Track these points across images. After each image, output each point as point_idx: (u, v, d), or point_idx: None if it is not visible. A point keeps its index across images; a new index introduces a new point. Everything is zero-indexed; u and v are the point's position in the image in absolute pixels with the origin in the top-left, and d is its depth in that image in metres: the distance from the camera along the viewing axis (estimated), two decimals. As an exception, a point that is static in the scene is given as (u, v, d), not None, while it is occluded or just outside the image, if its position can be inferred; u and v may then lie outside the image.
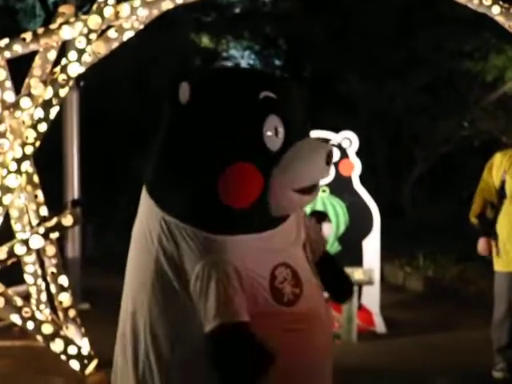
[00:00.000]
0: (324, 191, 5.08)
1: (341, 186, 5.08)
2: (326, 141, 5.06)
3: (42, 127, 4.02)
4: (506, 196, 3.84)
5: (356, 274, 4.74)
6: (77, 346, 3.99)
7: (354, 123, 7.15)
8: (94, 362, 4.01)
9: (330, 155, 1.83)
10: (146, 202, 1.93)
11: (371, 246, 5.11)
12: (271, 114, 1.79)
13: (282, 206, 1.86)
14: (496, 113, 9.22)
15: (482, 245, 3.95)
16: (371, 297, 5.10)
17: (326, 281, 2.08)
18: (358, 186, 5.13)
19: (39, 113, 3.99)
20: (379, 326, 5.03)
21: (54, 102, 3.99)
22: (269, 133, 1.77)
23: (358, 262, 5.01)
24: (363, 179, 5.23)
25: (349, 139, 5.07)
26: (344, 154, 5.08)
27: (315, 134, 5.14)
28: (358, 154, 5.15)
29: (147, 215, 1.93)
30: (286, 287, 1.84)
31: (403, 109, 9.79)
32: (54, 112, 4.05)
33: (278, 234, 1.90)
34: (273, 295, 1.82)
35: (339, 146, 5.08)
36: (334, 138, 5.09)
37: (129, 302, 1.91)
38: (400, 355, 4.38)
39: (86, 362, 3.97)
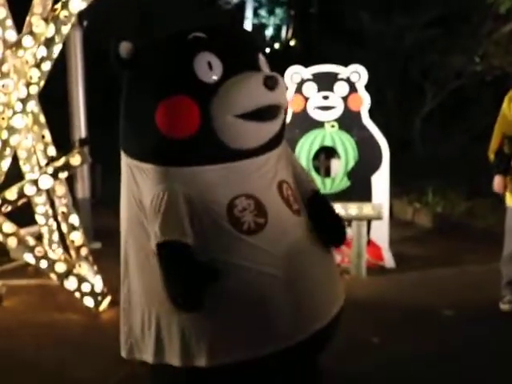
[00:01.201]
0: (333, 126, 5.03)
1: (350, 121, 5.01)
2: (335, 74, 4.99)
3: (46, 66, 3.96)
4: None
5: (365, 209, 4.74)
6: (90, 283, 4.06)
7: (363, 58, 6.98)
8: (108, 299, 4.09)
9: (269, 79, 1.94)
10: (122, 159, 2.18)
11: (380, 182, 5.08)
12: (202, 51, 1.97)
13: (231, 135, 1.99)
14: (509, 47, 8.98)
15: (498, 182, 3.86)
16: (380, 232, 5.12)
17: (318, 223, 2.20)
18: (367, 120, 5.06)
19: (42, 51, 3.92)
20: (388, 260, 5.06)
21: (57, 39, 3.92)
22: (201, 67, 1.96)
23: (367, 197, 5.00)
24: (373, 114, 5.16)
25: (358, 73, 4.97)
26: (353, 88, 4.99)
27: (323, 67, 5.06)
28: (368, 88, 5.06)
29: (123, 164, 2.18)
30: (246, 216, 2.00)
31: (414, 43, 9.57)
32: (57, 50, 3.98)
33: (243, 167, 2.05)
34: (231, 223, 1.98)
35: (348, 80, 5.00)
36: (343, 71, 4.99)
37: (122, 232, 2.20)
38: (409, 289, 4.43)
39: (99, 298, 4.04)
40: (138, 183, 2.06)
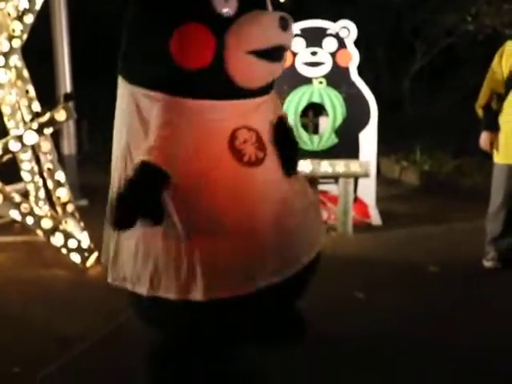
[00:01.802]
0: (321, 83, 4.98)
1: (338, 77, 4.97)
2: (324, 30, 4.92)
3: (29, 19, 3.88)
4: None
5: (352, 166, 4.74)
6: (76, 239, 4.06)
7: (353, 14, 6.89)
8: (95, 255, 4.09)
9: (284, 19, 1.94)
10: (119, 86, 2.13)
11: (368, 139, 5.08)
12: None
13: (241, 71, 1.99)
14: (501, 6, 8.87)
15: (484, 139, 3.85)
16: (367, 190, 5.14)
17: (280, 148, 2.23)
18: (355, 77, 5.02)
19: (24, 3, 3.84)
20: (375, 218, 5.10)
21: (39, -10, 3.82)
22: None
23: (354, 154, 5.00)
24: (362, 71, 5.11)
25: (347, 28, 4.90)
26: (342, 43, 4.93)
27: (312, 22, 4.98)
28: (357, 45, 5.00)
29: (121, 97, 2.13)
30: (247, 147, 2.04)
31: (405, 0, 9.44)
32: (39, 2, 3.89)
33: (245, 105, 2.07)
34: (233, 154, 2.01)
35: (337, 36, 4.93)
36: (332, 27, 4.92)
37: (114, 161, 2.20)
38: (395, 247, 4.46)
39: (86, 254, 4.05)
40: (143, 109, 2.03)
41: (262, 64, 1.99)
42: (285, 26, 1.94)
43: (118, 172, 2.13)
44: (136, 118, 2.05)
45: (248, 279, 2.04)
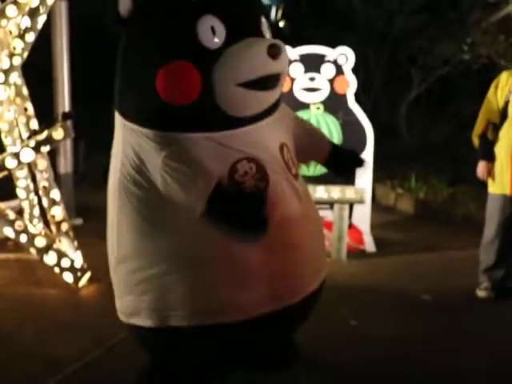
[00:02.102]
0: (318, 108, 5.02)
1: (335, 104, 5.01)
2: (322, 56, 4.97)
3: (30, 37, 3.90)
4: (508, 117, 3.73)
5: (348, 192, 4.75)
6: (70, 258, 4.04)
7: (351, 41, 6.96)
8: (87, 275, 4.07)
9: (272, 47, 1.91)
10: (116, 119, 2.13)
11: (364, 166, 5.08)
12: (206, 13, 1.91)
13: (232, 103, 1.97)
14: (497, 36, 8.99)
15: (481, 168, 3.88)
16: (362, 216, 5.15)
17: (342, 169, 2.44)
18: (352, 104, 5.06)
19: (26, 22, 3.86)
20: (369, 245, 5.09)
21: (41, 10, 3.85)
22: (204, 31, 1.89)
23: (349, 180, 5.02)
24: (359, 98, 5.15)
25: (345, 55, 4.95)
26: (340, 70, 4.97)
27: (311, 48, 5.03)
28: (355, 72, 5.05)
29: (117, 131, 2.12)
30: (247, 180, 2.00)
31: (402, 28, 9.54)
32: (41, 21, 3.92)
33: (243, 133, 2.04)
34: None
35: (335, 63, 4.97)
36: (330, 53, 4.97)
37: (110, 196, 2.18)
38: (388, 274, 4.46)
39: (79, 274, 4.02)
40: (137, 147, 2.01)
41: (253, 94, 1.96)
42: (274, 53, 1.91)
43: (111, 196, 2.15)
44: (129, 150, 2.05)
45: (237, 309, 2.02)
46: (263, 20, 2.08)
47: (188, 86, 1.90)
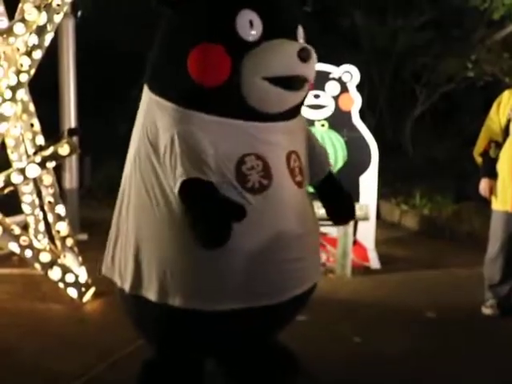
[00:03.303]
0: (323, 125, 5.04)
1: (340, 121, 5.03)
2: (327, 73, 5.00)
3: (37, 54, 3.94)
4: (509, 135, 3.74)
5: (352, 209, 4.74)
6: (74, 274, 4.05)
7: (356, 58, 7.00)
8: (92, 290, 4.07)
9: (304, 51, 1.99)
10: (144, 94, 2.19)
11: (368, 183, 5.10)
12: (248, 8, 2.01)
13: (254, 95, 2.03)
14: (501, 54, 9.03)
15: (483, 186, 3.89)
16: (366, 233, 5.15)
17: (327, 203, 2.36)
18: (357, 121, 5.08)
19: (33, 39, 3.90)
20: (373, 261, 5.09)
21: (49, 27, 3.90)
22: (241, 23, 1.99)
23: (354, 197, 4.99)
24: (363, 115, 5.17)
25: (350, 73, 4.98)
26: (344, 88, 5.00)
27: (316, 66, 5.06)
28: (359, 89, 5.08)
29: (141, 106, 2.19)
30: (252, 174, 2.05)
31: (406, 45, 9.60)
32: (48, 38, 3.96)
33: (258, 129, 2.09)
34: (237, 178, 2.02)
35: (339, 80, 5.00)
36: (335, 71, 5.00)
37: (126, 168, 2.23)
38: (393, 290, 4.44)
39: (83, 289, 4.03)
40: (156, 119, 2.07)
41: (276, 91, 2.02)
42: (304, 57, 1.98)
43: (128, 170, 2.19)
44: (150, 124, 2.11)
45: (234, 298, 2.05)
46: (300, 29, 2.17)
47: (218, 68, 1.98)
